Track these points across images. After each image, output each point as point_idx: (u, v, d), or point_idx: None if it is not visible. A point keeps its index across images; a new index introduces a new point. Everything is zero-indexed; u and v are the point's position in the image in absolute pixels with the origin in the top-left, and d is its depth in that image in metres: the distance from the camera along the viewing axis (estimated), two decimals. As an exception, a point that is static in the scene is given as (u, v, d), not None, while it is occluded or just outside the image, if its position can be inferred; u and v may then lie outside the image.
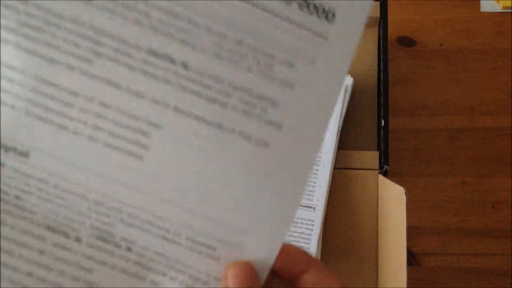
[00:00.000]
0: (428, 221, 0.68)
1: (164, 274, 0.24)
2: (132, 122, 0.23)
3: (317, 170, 0.50)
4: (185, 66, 0.23)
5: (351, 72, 0.53)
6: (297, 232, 0.49)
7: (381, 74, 0.52)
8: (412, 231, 0.67)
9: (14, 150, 0.23)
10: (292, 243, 0.27)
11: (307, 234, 0.49)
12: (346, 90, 0.52)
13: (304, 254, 0.25)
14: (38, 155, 0.23)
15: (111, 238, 0.23)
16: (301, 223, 0.49)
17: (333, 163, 0.50)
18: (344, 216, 0.50)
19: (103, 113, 0.23)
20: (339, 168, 0.50)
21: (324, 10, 0.23)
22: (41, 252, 0.23)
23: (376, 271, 0.49)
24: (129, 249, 0.23)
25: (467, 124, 0.70)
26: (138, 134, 0.23)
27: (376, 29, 0.54)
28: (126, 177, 0.23)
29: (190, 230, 0.23)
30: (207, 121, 0.23)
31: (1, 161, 0.23)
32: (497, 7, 0.72)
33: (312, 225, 0.49)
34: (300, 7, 0.22)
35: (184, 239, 0.23)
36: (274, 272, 0.24)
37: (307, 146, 0.23)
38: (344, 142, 0.52)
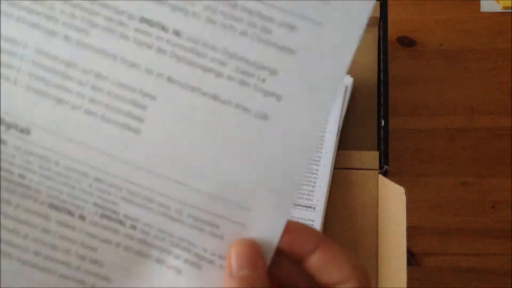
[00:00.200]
0: (428, 221, 0.68)
1: (169, 252, 0.23)
2: (128, 94, 0.22)
3: (317, 170, 0.50)
4: (177, 33, 0.22)
5: (351, 72, 0.53)
6: (297, 232, 0.49)
7: (381, 74, 0.52)
8: (412, 231, 0.67)
9: (16, 127, 0.23)
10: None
11: (307, 234, 0.49)
12: (346, 90, 0.52)
13: (311, 232, 0.23)
14: (39, 131, 0.23)
15: (114, 216, 0.23)
16: (301, 223, 0.49)
17: (333, 163, 0.50)
18: (344, 216, 0.50)
19: (100, 85, 0.22)
20: (339, 168, 0.50)
21: None
22: (46, 231, 0.23)
23: (376, 271, 0.49)
24: (133, 227, 0.23)
25: (467, 124, 0.70)
26: (134, 107, 0.22)
27: (376, 29, 0.54)
28: (123, 152, 0.22)
29: (191, 207, 0.23)
30: (202, 91, 0.22)
31: (3, 138, 0.23)
32: (497, 7, 0.72)
33: (312, 225, 0.49)
34: None
35: (186, 217, 0.23)
36: (281, 253, 0.23)
37: (310, 119, 0.22)
38: (344, 142, 0.52)
